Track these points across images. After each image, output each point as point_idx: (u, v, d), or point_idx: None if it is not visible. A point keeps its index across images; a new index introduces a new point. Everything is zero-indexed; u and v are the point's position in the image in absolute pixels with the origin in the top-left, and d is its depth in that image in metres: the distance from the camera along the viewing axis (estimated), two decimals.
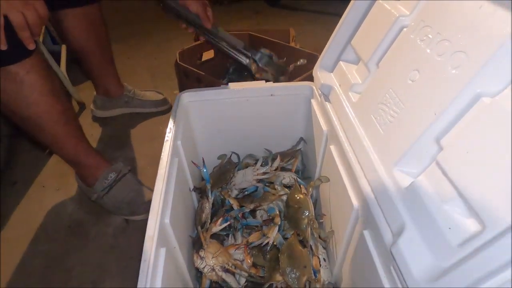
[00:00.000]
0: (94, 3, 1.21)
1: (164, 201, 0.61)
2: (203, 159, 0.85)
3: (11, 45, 0.74)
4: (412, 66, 0.55)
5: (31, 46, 0.78)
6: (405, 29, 0.60)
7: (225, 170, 0.91)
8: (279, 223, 0.77)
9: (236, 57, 1.04)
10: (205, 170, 0.82)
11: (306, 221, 0.73)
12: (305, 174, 0.98)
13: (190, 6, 0.99)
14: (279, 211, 0.80)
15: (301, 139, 0.98)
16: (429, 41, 0.53)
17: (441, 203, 0.45)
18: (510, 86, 0.41)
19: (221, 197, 0.87)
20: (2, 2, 0.68)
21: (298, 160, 0.96)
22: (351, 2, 0.73)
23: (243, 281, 0.74)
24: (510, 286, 0.32)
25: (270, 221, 0.82)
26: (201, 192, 0.90)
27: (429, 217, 0.45)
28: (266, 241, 0.75)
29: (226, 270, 0.71)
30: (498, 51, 0.42)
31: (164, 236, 0.58)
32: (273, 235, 0.75)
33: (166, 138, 0.73)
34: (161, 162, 0.67)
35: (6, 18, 0.70)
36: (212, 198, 0.83)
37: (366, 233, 0.55)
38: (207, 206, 0.81)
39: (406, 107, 0.54)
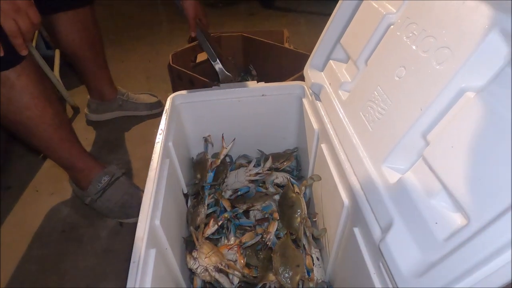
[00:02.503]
0: (86, 6, 1.21)
1: (154, 203, 0.61)
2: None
3: (4, 52, 0.74)
4: (398, 63, 0.55)
5: (24, 52, 0.78)
6: (392, 26, 0.60)
7: (218, 170, 0.90)
8: (278, 218, 0.78)
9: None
10: (212, 174, 0.86)
11: (299, 220, 0.73)
12: (300, 174, 0.98)
13: (185, 8, 1.04)
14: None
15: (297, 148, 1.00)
16: (414, 37, 0.53)
17: (428, 198, 0.45)
18: (493, 80, 0.41)
19: (215, 197, 0.87)
20: None
21: (293, 162, 0.97)
22: (340, 1, 0.74)
23: (236, 281, 0.73)
24: (493, 277, 0.32)
25: (264, 220, 0.82)
26: (194, 195, 0.90)
27: (416, 212, 0.45)
28: (267, 237, 0.74)
29: (219, 270, 0.70)
30: (480, 46, 0.42)
31: (154, 237, 0.58)
32: (274, 230, 0.75)
33: (157, 140, 0.73)
34: (151, 163, 0.67)
35: None
36: (208, 203, 0.84)
37: (356, 230, 0.55)
38: (203, 211, 0.81)
39: (393, 104, 0.54)
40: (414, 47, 0.52)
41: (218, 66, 1.09)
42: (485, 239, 0.34)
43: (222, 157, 0.89)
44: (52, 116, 0.89)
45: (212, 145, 0.96)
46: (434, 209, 0.43)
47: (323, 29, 0.78)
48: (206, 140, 0.95)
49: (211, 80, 1.14)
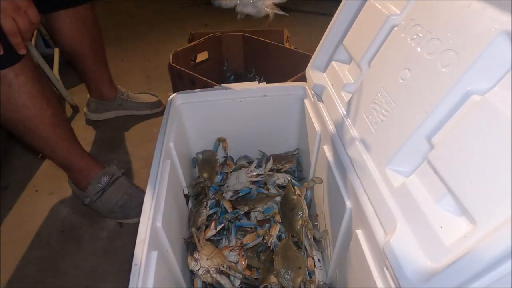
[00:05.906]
0: (86, 4, 1.20)
1: (156, 204, 0.60)
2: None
3: (2, 50, 0.73)
4: (403, 65, 0.55)
5: (22, 51, 0.77)
6: (395, 28, 0.60)
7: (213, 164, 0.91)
8: (280, 220, 0.77)
9: None
10: (220, 177, 0.86)
11: (300, 222, 0.72)
12: (301, 175, 0.98)
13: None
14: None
15: (297, 150, 1.00)
16: (419, 39, 0.53)
17: (432, 201, 0.45)
18: (499, 83, 0.41)
19: (216, 198, 0.86)
20: None
21: (294, 164, 0.96)
22: (343, 2, 0.73)
23: (237, 282, 0.73)
24: (502, 283, 0.32)
25: (265, 221, 0.82)
26: (195, 196, 0.90)
27: (421, 216, 0.44)
28: (270, 240, 0.74)
29: (221, 272, 0.70)
30: (487, 49, 0.42)
31: (156, 239, 0.58)
32: (276, 233, 0.75)
33: (158, 140, 0.73)
34: (152, 164, 0.67)
35: None
36: (210, 203, 0.84)
37: (359, 233, 0.55)
38: (204, 213, 0.80)
39: (398, 106, 0.54)
40: (418, 49, 0.52)
41: None
42: (493, 244, 0.34)
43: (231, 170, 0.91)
44: (51, 115, 0.89)
45: (227, 154, 0.95)
46: (439, 213, 0.43)
47: (322, 29, 0.78)
48: (219, 140, 0.94)
49: (212, 79, 1.14)
